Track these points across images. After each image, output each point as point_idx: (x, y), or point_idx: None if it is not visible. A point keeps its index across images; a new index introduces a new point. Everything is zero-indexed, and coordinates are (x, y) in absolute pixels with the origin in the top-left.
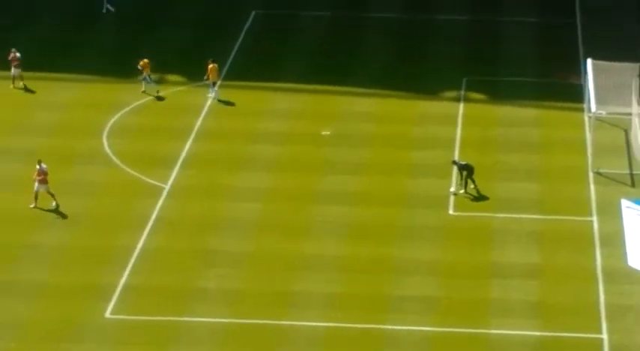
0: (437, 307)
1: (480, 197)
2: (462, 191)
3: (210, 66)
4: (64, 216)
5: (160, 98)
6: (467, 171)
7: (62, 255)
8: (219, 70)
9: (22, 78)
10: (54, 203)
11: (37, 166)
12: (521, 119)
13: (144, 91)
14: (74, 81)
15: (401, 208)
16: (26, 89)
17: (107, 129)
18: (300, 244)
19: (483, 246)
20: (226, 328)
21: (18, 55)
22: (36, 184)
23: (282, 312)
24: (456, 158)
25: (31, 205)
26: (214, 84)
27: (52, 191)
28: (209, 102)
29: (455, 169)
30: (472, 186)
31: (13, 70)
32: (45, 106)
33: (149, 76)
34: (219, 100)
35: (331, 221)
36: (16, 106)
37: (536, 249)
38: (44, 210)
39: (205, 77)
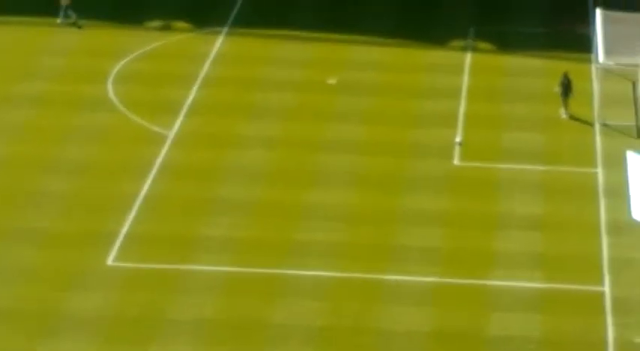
0: (439, 257)
1: (485, 147)
2: (564, 113)
3: None
4: (68, 163)
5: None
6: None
7: (65, 202)
8: None
9: None
10: None
11: None
12: (529, 69)
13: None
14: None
15: (406, 158)
16: None
17: (112, 75)
18: (304, 192)
19: (487, 197)
20: (230, 277)
21: None
22: None
23: (286, 261)
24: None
25: None
26: (65, 7)
27: None
28: (215, 50)
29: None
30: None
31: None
32: (50, 51)
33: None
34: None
35: (337, 170)
36: (20, 52)
37: (541, 200)
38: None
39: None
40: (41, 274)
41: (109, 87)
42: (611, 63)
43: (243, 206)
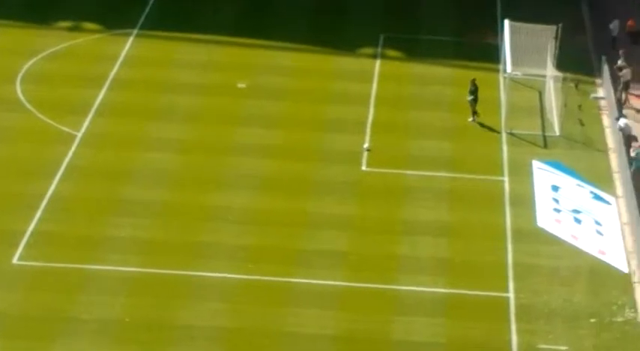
0: (346, 262)
1: (392, 154)
2: (470, 119)
3: None
4: None
5: None
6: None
7: None
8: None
9: None
10: None
11: None
12: (437, 78)
13: None
14: None
15: (314, 163)
16: None
17: (21, 74)
18: (212, 195)
19: (394, 202)
20: (135, 277)
21: None
22: None
23: (191, 262)
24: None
25: None
26: None
27: None
28: (124, 51)
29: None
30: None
31: None
32: None
33: None
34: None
35: (244, 174)
36: None
37: (447, 207)
38: None
39: None
40: None
41: (18, 86)
42: (518, 73)
43: (149, 207)
